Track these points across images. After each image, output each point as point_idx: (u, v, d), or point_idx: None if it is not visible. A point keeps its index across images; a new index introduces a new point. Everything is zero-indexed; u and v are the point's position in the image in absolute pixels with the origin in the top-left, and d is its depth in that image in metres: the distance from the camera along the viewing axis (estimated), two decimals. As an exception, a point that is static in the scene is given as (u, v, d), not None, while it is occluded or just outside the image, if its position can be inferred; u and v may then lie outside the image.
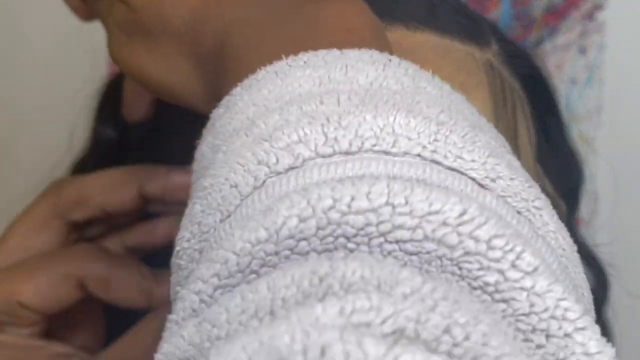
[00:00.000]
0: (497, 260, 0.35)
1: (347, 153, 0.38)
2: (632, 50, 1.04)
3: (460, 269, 0.35)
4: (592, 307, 0.41)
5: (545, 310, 0.35)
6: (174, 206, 0.59)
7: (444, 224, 0.35)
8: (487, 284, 0.35)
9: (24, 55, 1.15)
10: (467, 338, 0.32)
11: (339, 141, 0.38)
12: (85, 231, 0.62)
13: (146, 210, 0.61)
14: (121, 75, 0.66)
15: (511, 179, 0.39)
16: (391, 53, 0.45)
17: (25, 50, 1.16)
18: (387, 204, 0.35)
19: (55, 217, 0.59)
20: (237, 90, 0.42)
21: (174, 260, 0.40)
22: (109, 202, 0.59)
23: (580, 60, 1.05)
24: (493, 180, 0.38)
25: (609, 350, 0.35)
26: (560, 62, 1.04)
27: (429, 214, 0.35)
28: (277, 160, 0.38)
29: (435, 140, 0.38)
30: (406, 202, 0.35)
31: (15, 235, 0.60)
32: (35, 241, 0.59)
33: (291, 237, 0.35)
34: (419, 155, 0.38)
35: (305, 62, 0.41)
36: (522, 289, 0.35)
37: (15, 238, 0.60)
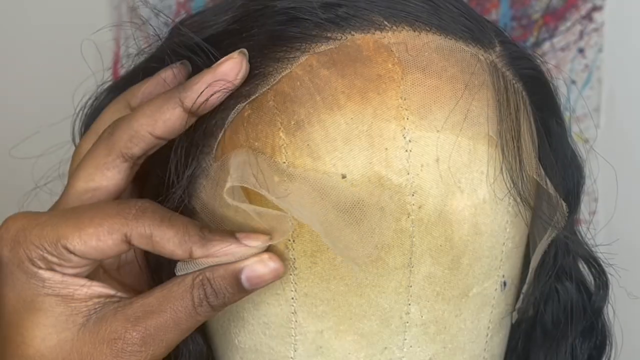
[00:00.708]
0: None
1: None
2: (631, 51, 1.05)
3: None
4: None
5: None
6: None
7: None
8: None
9: (27, 56, 1.16)
10: None
11: None
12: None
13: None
14: (125, 78, 0.67)
15: None
16: None
17: (28, 51, 1.16)
18: None
19: (114, 155, 0.62)
20: None
21: None
22: (157, 127, 0.61)
23: (579, 61, 1.05)
24: None
25: None
26: (559, 63, 1.04)
27: None
28: None
29: None
30: None
31: (80, 178, 0.62)
32: (100, 182, 0.62)
33: None
34: None
35: None
36: None
37: (81, 181, 0.62)
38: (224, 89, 0.60)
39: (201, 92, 0.60)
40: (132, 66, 0.69)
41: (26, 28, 1.18)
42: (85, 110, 0.69)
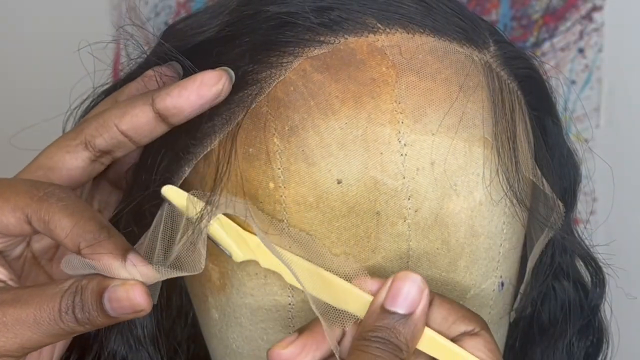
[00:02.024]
0: None
1: None
2: (631, 51, 1.05)
3: None
4: None
5: None
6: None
7: None
8: None
9: (28, 57, 1.16)
10: None
11: None
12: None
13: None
14: (125, 78, 0.67)
15: None
16: None
17: (28, 51, 1.16)
18: None
19: (78, 140, 0.62)
20: None
21: None
22: (123, 120, 0.61)
23: (579, 61, 1.05)
24: None
25: None
26: (559, 63, 1.04)
27: None
28: None
29: None
30: None
31: (44, 155, 0.62)
32: (57, 162, 0.62)
33: None
34: None
35: None
36: None
37: (42, 157, 0.62)
38: (201, 99, 0.59)
39: (173, 96, 0.59)
40: (130, 69, 0.69)
41: (27, 28, 1.18)
42: (80, 110, 0.69)
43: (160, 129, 0.61)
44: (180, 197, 0.59)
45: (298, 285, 0.58)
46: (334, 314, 0.58)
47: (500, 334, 0.66)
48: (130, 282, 0.56)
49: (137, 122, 0.61)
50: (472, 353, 0.57)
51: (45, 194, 0.58)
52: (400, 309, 0.57)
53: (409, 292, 0.57)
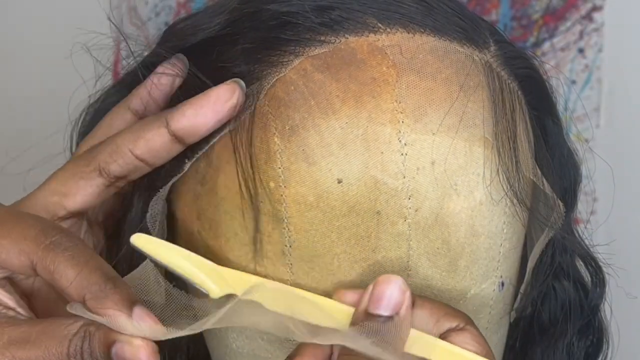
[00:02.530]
0: None
1: None
2: (631, 51, 1.05)
3: None
4: None
5: None
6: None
7: None
8: None
9: (28, 56, 1.16)
10: None
11: None
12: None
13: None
14: (125, 79, 0.67)
15: None
16: None
17: (29, 51, 1.16)
18: None
19: (92, 167, 0.61)
20: None
21: None
22: (138, 145, 0.60)
23: (579, 61, 1.05)
24: None
25: None
26: (559, 63, 1.04)
27: None
28: None
29: None
30: None
31: (56, 179, 0.62)
32: (71, 189, 0.61)
33: None
34: None
35: None
36: None
37: (54, 182, 0.62)
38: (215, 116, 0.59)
39: (189, 116, 0.59)
40: (129, 69, 0.69)
41: (25, 28, 1.18)
42: (82, 119, 0.69)
43: (177, 150, 0.60)
44: (153, 245, 0.58)
45: (281, 312, 0.58)
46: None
47: (500, 334, 0.66)
48: (137, 343, 0.55)
49: (152, 145, 0.60)
50: (462, 347, 0.57)
51: (51, 242, 0.57)
52: (384, 311, 0.57)
53: (391, 295, 0.57)
